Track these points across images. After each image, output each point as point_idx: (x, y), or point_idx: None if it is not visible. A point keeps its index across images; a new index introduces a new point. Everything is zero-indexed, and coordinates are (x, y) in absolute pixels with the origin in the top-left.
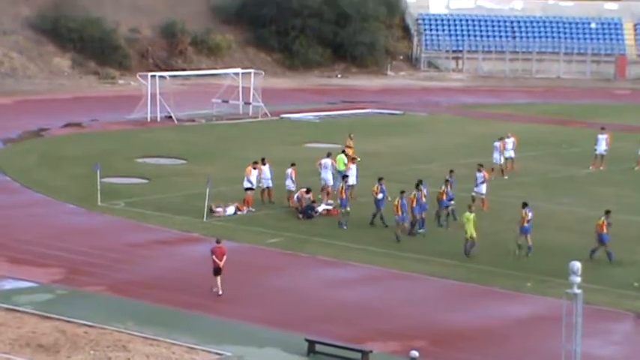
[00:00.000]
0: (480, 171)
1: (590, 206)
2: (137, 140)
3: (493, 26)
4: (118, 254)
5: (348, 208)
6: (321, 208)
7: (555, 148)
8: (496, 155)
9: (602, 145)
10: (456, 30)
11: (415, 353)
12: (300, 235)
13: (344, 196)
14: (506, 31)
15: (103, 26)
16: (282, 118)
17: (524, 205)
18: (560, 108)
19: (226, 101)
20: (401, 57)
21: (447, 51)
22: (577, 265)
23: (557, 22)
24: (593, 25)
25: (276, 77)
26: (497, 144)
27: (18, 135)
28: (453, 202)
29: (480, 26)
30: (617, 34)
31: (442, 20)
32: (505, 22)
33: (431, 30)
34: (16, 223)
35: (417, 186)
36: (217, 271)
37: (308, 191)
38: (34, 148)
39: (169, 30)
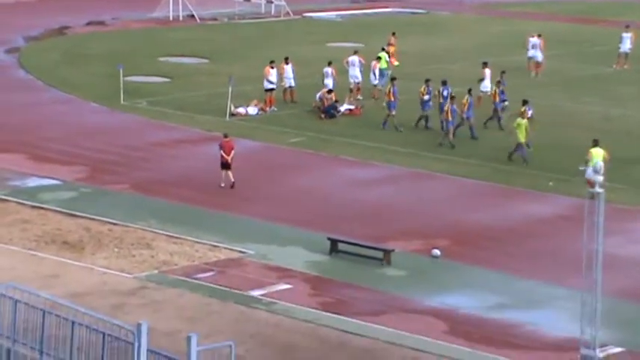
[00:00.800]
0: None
1: (613, 105)
2: (159, 39)
3: None
4: (141, 153)
5: (394, 112)
6: (343, 107)
7: (578, 46)
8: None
9: (627, 44)
10: None
11: (437, 252)
12: (323, 134)
13: (392, 99)
14: None
15: None
16: (304, 17)
17: (525, 102)
18: (584, 6)
19: (248, 0)
20: None
21: None
22: (600, 164)
23: None
24: None
25: None
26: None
27: (40, 33)
28: (506, 102)
29: None
30: None
31: None
32: None
33: None
34: (40, 121)
35: (469, 91)
36: (225, 165)
37: (330, 91)
38: (56, 46)
39: None
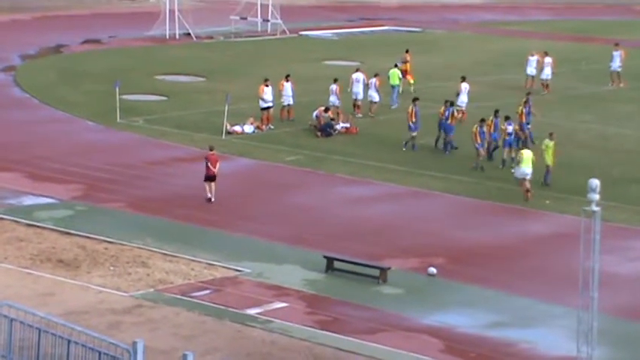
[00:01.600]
0: None
1: (609, 123)
2: (156, 57)
3: None
4: (137, 171)
5: (414, 133)
6: (339, 126)
7: (575, 65)
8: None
9: (617, 62)
10: None
11: (433, 270)
12: (319, 153)
13: (414, 120)
14: None
15: None
16: (300, 35)
17: (506, 118)
18: (581, 25)
19: (245, 18)
20: None
21: None
22: (595, 182)
23: None
24: None
25: None
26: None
27: (36, 51)
28: (529, 125)
29: None
30: None
31: None
32: None
33: None
34: (36, 139)
35: (496, 113)
36: (211, 177)
37: (327, 109)
38: (52, 64)
39: None
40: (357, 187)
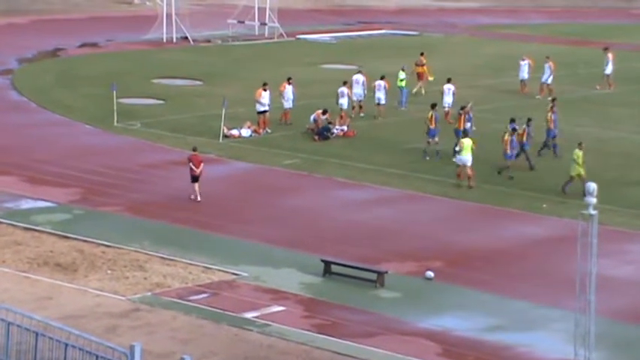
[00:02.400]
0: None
1: (607, 127)
2: (153, 61)
3: None
4: (135, 175)
5: (437, 139)
6: (336, 129)
7: (572, 68)
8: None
9: (609, 66)
10: None
11: (430, 274)
12: (316, 156)
13: (434, 126)
14: None
15: None
16: (298, 39)
17: (511, 120)
18: (578, 28)
19: (242, 22)
20: None
21: None
22: (593, 186)
23: None
24: None
25: None
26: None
27: (33, 55)
28: (556, 132)
29: None
30: None
31: None
32: None
33: None
34: (33, 143)
35: (528, 121)
36: (195, 178)
37: (324, 112)
38: (50, 68)
39: None
40: (354, 191)
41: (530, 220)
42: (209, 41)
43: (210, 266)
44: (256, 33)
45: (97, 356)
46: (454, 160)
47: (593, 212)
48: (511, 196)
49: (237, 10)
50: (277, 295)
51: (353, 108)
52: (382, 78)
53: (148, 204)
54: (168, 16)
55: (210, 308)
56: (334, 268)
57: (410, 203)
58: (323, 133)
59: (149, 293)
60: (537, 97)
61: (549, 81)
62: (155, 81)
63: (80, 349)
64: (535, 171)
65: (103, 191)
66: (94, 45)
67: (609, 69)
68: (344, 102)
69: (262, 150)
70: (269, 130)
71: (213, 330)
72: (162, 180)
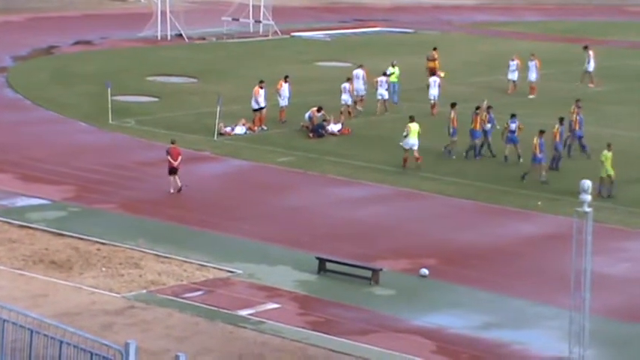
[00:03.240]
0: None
1: (602, 125)
2: (147, 58)
3: None
4: (130, 172)
5: (455, 138)
6: (331, 127)
7: (568, 65)
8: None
9: (591, 63)
10: None
11: (425, 271)
12: (311, 154)
13: (455, 125)
14: None
15: None
16: (292, 36)
17: (512, 115)
18: (573, 25)
19: (237, 19)
20: None
21: None
22: (588, 183)
23: None
24: None
25: None
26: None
27: (28, 52)
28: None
29: None
30: None
31: None
32: None
33: None
34: (28, 140)
35: (561, 120)
36: (173, 170)
37: (319, 110)
38: (44, 65)
39: None
40: (349, 188)
41: (525, 218)
42: (204, 39)
43: (205, 264)
44: (251, 30)
45: (91, 353)
46: (400, 143)
47: (588, 210)
48: (506, 193)
49: (232, 7)
50: (272, 293)
51: (355, 103)
52: (384, 74)
53: (142, 201)
54: (163, 13)
55: (205, 306)
56: (329, 265)
57: (405, 201)
58: (318, 130)
59: (144, 291)
60: (530, 96)
61: (534, 79)
62: (150, 78)
63: (75, 346)
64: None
65: (97, 189)
66: (89, 42)
67: (591, 66)
68: (347, 98)
69: (257, 147)
70: (265, 128)
71: (208, 327)
72: (157, 177)
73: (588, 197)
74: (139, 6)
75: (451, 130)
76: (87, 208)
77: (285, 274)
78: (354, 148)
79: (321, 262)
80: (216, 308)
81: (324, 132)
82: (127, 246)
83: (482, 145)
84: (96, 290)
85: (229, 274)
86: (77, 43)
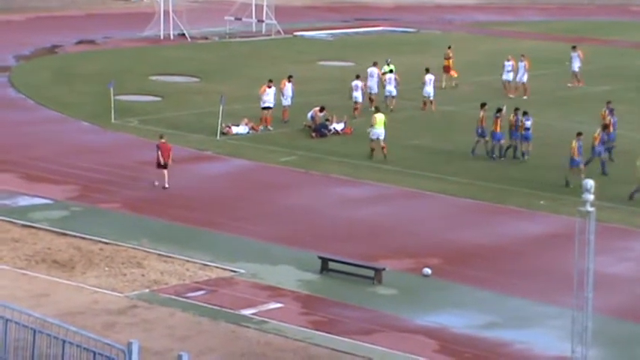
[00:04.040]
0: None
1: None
2: (150, 58)
3: None
4: (132, 172)
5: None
6: (333, 126)
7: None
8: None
9: (577, 63)
10: None
11: (428, 270)
12: (314, 153)
13: (484, 125)
14: None
15: None
16: (295, 36)
17: (518, 111)
18: (575, 25)
19: (239, 19)
20: None
21: None
22: (590, 182)
23: None
24: None
25: None
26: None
27: (31, 52)
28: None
29: None
30: None
31: None
32: None
33: None
34: (31, 140)
35: (604, 128)
36: (163, 165)
37: (322, 109)
38: (47, 65)
39: None
40: (351, 188)
41: (527, 217)
42: (206, 38)
43: (208, 263)
44: (253, 30)
45: (94, 353)
46: (368, 131)
47: (590, 209)
48: (508, 192)
49: (235, 7)
50: (275, 292)
51: (371, 100)
52: (391, 71)
53: (145, 201)
54: (166, 12)
55: (207, 305)
56: (332, 265)
57: (407, 200)
58: (320, 130)
59: (147, 290)
60: (524, 97)
61: (525, 79)
62: (152, 78)
63: (78, 345)
64: (532, 168)
65: (100, 188)
66: (92, 42)
67: (576, 66)
68: (358, 95)
69: (260, 147)
70: (270, 128)
71: (211, 327)
72: (160, 177)
73: (591, 197)
74: (142, 5)
75: (479, 130)
76: (89, 208)
77: (288, 273)
78: (357, 148)
79: (324, 261)
80: (218, 308)
81: (326, 131)
82: (130, 245)
83: (508, 147)
84: (98, 290)
85: (232, 273)
86: (80, 42)
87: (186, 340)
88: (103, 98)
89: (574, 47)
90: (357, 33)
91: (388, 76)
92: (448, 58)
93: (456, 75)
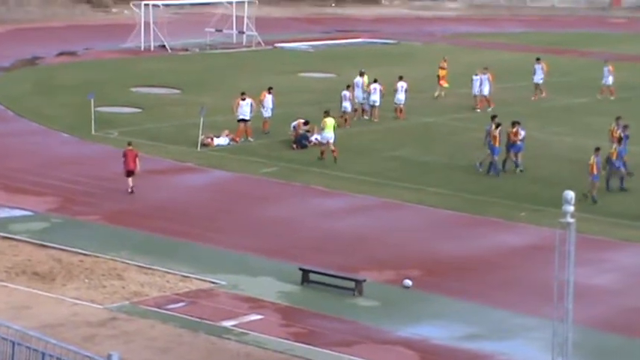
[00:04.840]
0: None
1: (584, 135)
2: (131, 69)
3: None
4: (113, 183)
5: (496, 157)
6: (314, 137)
7: (549, 77)
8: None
9: (540, 75)
10: None
11: (408, 282)
12: (295, 164)
13: (497, 144)
14: None
15: None
16: (276, 47)
17: (515, 123)
18: (555, 37)
19: (220, 30)
20: None
21: None
22: (570, 194)
23: None
24: None
25: (269, 6)
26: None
27: (11, 63)
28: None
29: None
30: None
31: None
32: None
33: None
34: (11, 151)
35: (620, 141)
36: (130, 172)
37: (306, 123)
38: (28, 76)
39: None
40: (332, 199)
41: (508, 229)
42: (187, 50)
43: (188, 275)
44: (234, 41)
45: None
46: (317, 137)
47: (570, 220)
48: (489, 204)
49: (215, 18)
50: (255, 304)
51: (355, 111)
52: (375, 81)
53: (125, 212)
54: (146, 24)
55: (188, 317)
56: (312, 276)
57: (388, 211)
58: (301, 141)
59: (127, 302)
60: (489, 109)
61: (486, 92)
62: (133, 89)
63: (58, 358)
64: (512, 179)
65: (80, 200)
66: (72, 54)
67: (538, 78)
68: (347, 105)
69: (240, 158)
70: (251, 139)
71: (191, 339)
72: (140, 188)
73: (571, 208)
74: (123, 17)
75: (490, 146)
76: (70, 219)
77: (269, 285)
78: (338, 159)
79: (305, 273)
80: (199, 319)
81: (307, 143)
82: (110, 257)
83: (505, 161)
84: (78, 302)
85: (212, 285)
86: (61, 54)
87: (166, 352)
88: (84, 110)
89: (538, 59)
90: (337, 44)
91: (373, 86)
92: (443, 69)
93: (446, 85)
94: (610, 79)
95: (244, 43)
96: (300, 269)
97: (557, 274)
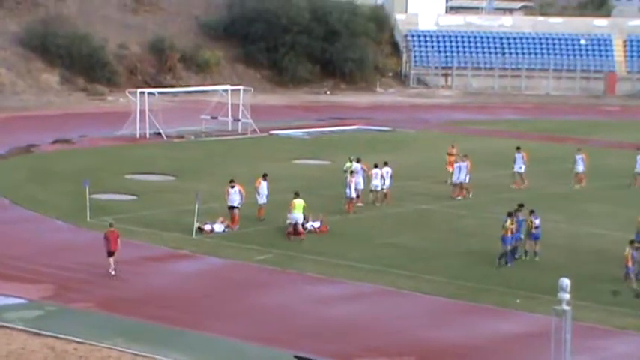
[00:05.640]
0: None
1: (580, 223)
2: (126, 157)
3: (482, 43)
4: (107, 270)
5: (509, 247)
6: (309, 225)
7: (546, 164)
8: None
9: (520, 163)
10: (445, 46)
11: None
12: (290, 251)
13: (509, 234)
14: (495, 48)
15: (91, 43)
16: (271, 134)
17: (531, 212)
18: (550, 124)
19: (215, 118)
20: (390, 73)
21: (436, 67)
22: (566, 281)
23: (547, 39)
24: (582, 42)
25: (264, 94)
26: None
27: (7, 151)
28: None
29: (469, 43)
30: (606, 51)
31: (431, 37)
32: (494, 38)
33: (420, 46)
34: (5, 239)
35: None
36: (110, 253)
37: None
38: (23, 164)
39: (158, 46)
40: (327, 286)
41: (503, 316)
42: (182, 137)
43: None
44: (229, 129)
45: None
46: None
47: (566, 308)
48: (484, 291)
49: (211, 106)
50: None
51: (358, 197)
52: (376, 166)
53: (120, 300)
54: (142, 112)
55: None
56: None
57: (383, 298)
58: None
59: None
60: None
61: (467, 180)
62: (128, 177)
63: None
64: (507, 266)
65: (75, 287)
66: (68, 141)
67: (517, 167)
68: (349, 192)
69: (235, 245)
70: (234, 229)
71: None
72: (135, 276)
73: (567, 295)
74: (118, 105)
75: (505, 238)
76: (64, 307)
77: None
78: (332, 246)
79: None
80: None
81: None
82: (104, 345)
83: (515, 249)
84: None
85: None
86: (56, 141)
87: None
88: (79, 197)
89: (518, 148)
90: (332, 132)
91: (374, 171)
92: (451, 155)
93: (452, 170)
94: (581, 167)
95: (239, 131)
96: (295, 357)
97: None
